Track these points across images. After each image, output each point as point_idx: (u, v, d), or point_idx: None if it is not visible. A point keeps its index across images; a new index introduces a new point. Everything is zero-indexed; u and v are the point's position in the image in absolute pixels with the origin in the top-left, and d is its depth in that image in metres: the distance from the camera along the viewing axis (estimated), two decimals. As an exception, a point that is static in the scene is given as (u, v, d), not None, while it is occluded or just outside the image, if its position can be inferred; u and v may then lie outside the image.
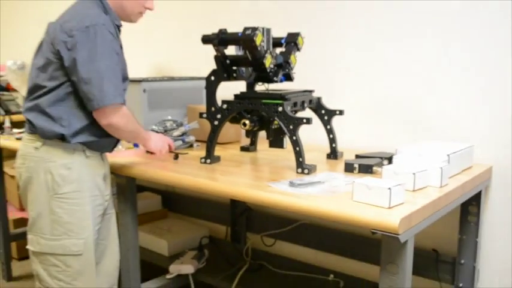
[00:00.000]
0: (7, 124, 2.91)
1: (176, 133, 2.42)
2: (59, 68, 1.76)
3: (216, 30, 2.06)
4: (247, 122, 1.97)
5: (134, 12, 1.95)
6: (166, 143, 2.10)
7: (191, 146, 2.47)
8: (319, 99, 2.21)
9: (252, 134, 2.33)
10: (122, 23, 1.96)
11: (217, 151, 2.13)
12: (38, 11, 4.40)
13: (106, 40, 1.75)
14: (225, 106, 2.03)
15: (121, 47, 1.90)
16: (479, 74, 2.14)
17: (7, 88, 4.07)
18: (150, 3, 1.97)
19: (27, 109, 1.84)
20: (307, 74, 2.38)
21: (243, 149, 2.42)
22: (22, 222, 3.31)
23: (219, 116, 2.04)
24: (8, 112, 3.71)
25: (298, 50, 2.12)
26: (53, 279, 1.84)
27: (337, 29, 2.54)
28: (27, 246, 1.88)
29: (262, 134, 2.14)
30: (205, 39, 2.07)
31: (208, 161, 2.07)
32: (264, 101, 1.96)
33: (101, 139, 1.88)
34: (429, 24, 2.25)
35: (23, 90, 2.92)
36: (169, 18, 3.29)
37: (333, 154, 2.21)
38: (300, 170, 1.89)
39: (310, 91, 2.20)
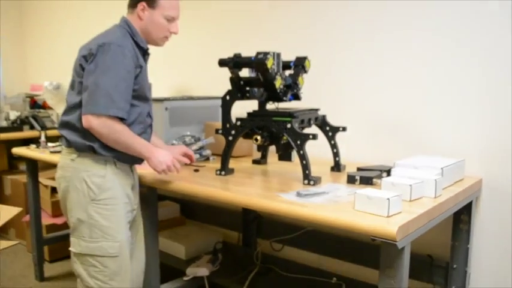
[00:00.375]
0: (43, 138, 2.93)
1: (194, 147, 2.44)
2: (80, 82, 1.78)
3: (231, 54, 2.09)
4: (258, 137, 1.98)
5: (159, 37, 1.92)
6: (172, 162, 1.89)
7: (208, 159, 2.48)
8: (324, 116, 2.21)
9: (263, 149, 2.33)
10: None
11: (231, 164, 2.13)
12: (68, 37, 4.47)
13: (117, 57, 1.74)
14: (238, 123, 2.04)
15: (141, 68, 1.85)
16: (470, 95, 2.14)
17: (43, 106, 4.13)
18: (174, 28, 1.93)
19: (61, 125, 1.87)
20: (313, 94, 2.39)
21: (255, 162, 2.43)
22: (54, 227, 3.33)
23: (233, 132, 2.05)
24: (43, 128, 3.76)
25: (306, 72, 2.13)
26: (91, 278, 1.85)
27: (341, 54, 2.55)
28: (70, 248, 1.89)
29: (272, 148, 2.15)
30: (222, 63, 2.09)
31: (223, 173, 2.08)
32: (274, 118, 1.97)
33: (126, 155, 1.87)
34: (424, 48, 2.26)
35: (57, 108, 2.95)
36: (189, 43, 3.32)
37: (337, 167, 2.21)
38: (306, 182, 1.90)
39: (316, 109, 2.21)
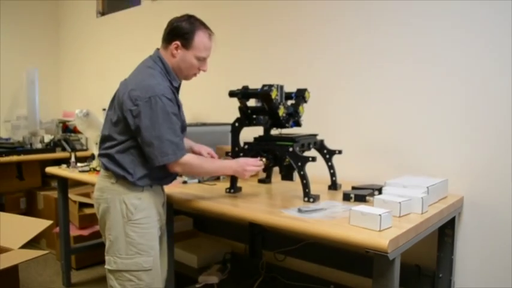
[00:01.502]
0: (73, 159, 2.95)
1: (206, 168, 2.44)
2: (126, 126, 1.73)
3: (239, 86, 2.11)
4: (264, 159, 1.98)
5: (190, 74, 1.85)
6: (244, 167, 1.86)
7: (218, 178, 2.48)
8: (322, 141, 2.22)
9: (267, 169, 2.33)
10: None
11: (239, 183, 2.13)
12: (96, 71, 4.54)
13: (165, 107, 1.68)
14: (246, 147, 2.05)
15: (178, 104, 1.81)
16: (452, 122, 2.14)
17: (74, 130, 4.17)
18: (204, 66, 1.85)
19: (102, 155, 1.82)
20: (313, 121, 2.40)
21: (260, 181, 2.42)
22: (81, 238, 3.32)
23: (241, 154, 2.05)
24: (73, 149, 3.79)
25: (305, 102, 2.14)
26: None
27: (337, 87, 2.57)
28: (105, 266, 1.82)
29: (276, 169, 2.15)
30: (231, 94, 2.11)
31: (232, 191, 2.08)
32: (278, 143, 1.98)
33: (162, 181, 1.88)
34: (409, 79, 2.28)
35: (86, 133, 2.98)
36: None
37: (333, 186, 2.20)
38: (306, 199, 1.89)
39: (315, 135, 2.21)
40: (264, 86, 1.95)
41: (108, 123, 1.82)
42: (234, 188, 2.08)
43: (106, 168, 1.80)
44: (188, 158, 1.76)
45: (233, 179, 2.08)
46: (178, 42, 1.75)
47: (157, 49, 1.84)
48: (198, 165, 1.80)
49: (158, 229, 1.88)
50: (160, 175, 1.83)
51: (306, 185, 1.90)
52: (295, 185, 2.11)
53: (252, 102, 2.12)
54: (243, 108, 2.09)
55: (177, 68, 1.81)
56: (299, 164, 1.90)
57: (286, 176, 2.06)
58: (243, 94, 2.06)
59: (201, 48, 1.78)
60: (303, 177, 1.90)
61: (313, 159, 1.88)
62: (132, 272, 1.78)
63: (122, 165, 1.76)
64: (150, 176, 1.80)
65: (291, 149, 1.92)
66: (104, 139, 1.83)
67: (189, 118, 3.46)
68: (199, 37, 1.76)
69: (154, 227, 1.83)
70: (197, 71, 1.85)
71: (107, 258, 1.82)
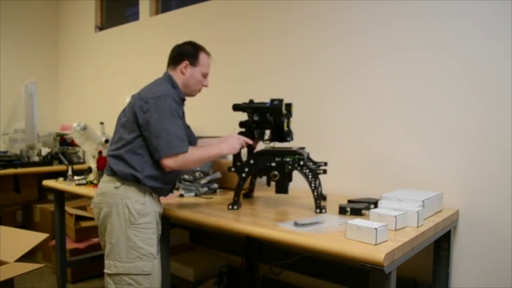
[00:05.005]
0: (70, 172, 2.93)
1: (203, 181, 2.44)
2: (135, 123, 1.84)
3: (230, 100, 2.13)
4: (276, 172, 1.98)
5: (196, 89, 2.04)
6: (238, 140, 1.99)
7: (215, 191, 2.47)
8: (308, 154, 2.17)
9: (251, 183, 2.34)
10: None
11: (227, 196, 2.08)
12: (93, 86, 4.55)
13: (172, 105, 1.83)
14: (252, 161, 2.03)
15: (183, 114, 1.97)
16: (447, 136, 2.15)
17: (71, 144, 4.15)
18: (207, 82, 2.05)
19: (112, 156, 1.90)
20: (306, 134, 2.40)
21: (246, 195, 2.35)
22: (77, 251, 3.29)
23: (246, 169, 2.03)
24: (70, 162, 3.77)
25: (291, 116, 2.11)
26: None
27: (332, 101, 2.58)
28: (105, 271, 1.86)
29: (263, 181, 2.10)
30: (237, 107, 2.10)
31: (236, 207, 2.02)
32: (287, 156, 1.98)
33: (165, 186, 1.94)
34: (405, 94, 2.29)
35: (83, 146, 2.97)
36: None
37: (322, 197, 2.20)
38: (318, 210, 1.92)
39: (303, 148, 2.19)
40: (273, 100, 2.01)
41: (120, 128, 1.93)
42: (237, 204, 2.03)
43: (111, 171, 1.88)
44: (189, 152, 1.85)
45: (237, 194, 2.03)
46: (187, 62, 1.98)
47: (167, 72, 2.03)
48: (193, 156, 1.86)
49: (157, 236, 1.92)
50: (165, 181, 1.91)
51: (318, 197, 1.93)
52: (286, 197, 2.11)
53: (244, 116, 2.11)
54: (249, 122, 2.07)
55: (185, 84, 2.00)
56: (310, 176, 1.92)
57: (282, 189, 2.04)
58: (252, 108, 2.05)
59: (205, 65, 2.03)
60: (315, 189, 1.92)
61: (325, 171, 1.96)
62: (132, 276, 1.81)
63: (130, 164, 1.84)
64: (157, 178, 1.87)
65: (302, 163, 1.94)
66: (115, 141, 1.92)
67: (186, 131, 3.50)
68: (203, 56, 2.02)
69: (154, 233, 1.88)
70: (201, 86, 2.05)
71: (106, 262, 1.86)
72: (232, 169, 2.07)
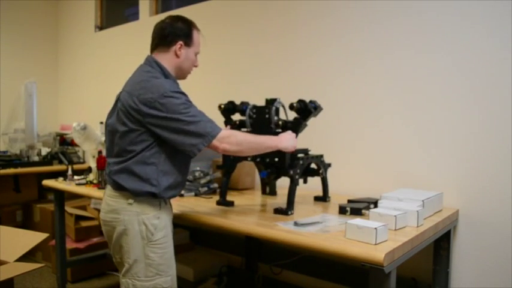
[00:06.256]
0: (69, 172, 2.93)
1: (203, 181, 2.43)
2: (142, 133, 1.62)
3: (228, 98, 2.13)
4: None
5: (189, 71, 1.82)
6: (295, 141, 1.84)
7: (215, 191, 2.47)
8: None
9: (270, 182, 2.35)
10: None
11: (235, 196, 2.11)
12: (94, 85, 4.54)
13: (180, 99, 1.61)
14: (301, 162, 2.00)
15: None
16: (447, 136, 2.15)
17: (71, 144, 4.15)
18: (197, 62, 1.84)
19: (116, 171, 1.66)
20: (310, 136, 2.40)
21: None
22: (76, 251, 3.29)
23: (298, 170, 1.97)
24: (70, 162, 3.77)
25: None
26: None
27: (334, 101, 2.59)
28: None
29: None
30: (237, 110, 2.12)
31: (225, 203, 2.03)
32: (311, 154, 2.11)
33: (180, 190, 1.77)
34: (405, 94, 2.29)
35: (83, 146, 2.97)
36: (197, 91, 3.37)
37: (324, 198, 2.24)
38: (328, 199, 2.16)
39: (306, 149, 2.22)
40: (268, 100, 2.01)
41: (117, 137, 1.68)
42: (225, 203, 2.05)
43: (121, 188, 1.66)
44: (227, 131, 1.67)
45: (223, 192, 2.04)
46: (181, 42, 1.74)
47: (149, 55, 1.78)
48: (242, 136, 1.68)
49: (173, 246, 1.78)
50: (182, 184, 1.76)
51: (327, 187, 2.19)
52: (286, 197, 2.10)
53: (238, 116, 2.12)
54: (300, 122, 2.00)
55: (178, 68, 1.77)
56: (322, 169, 2.13)
57: (274, 191, 2.03)
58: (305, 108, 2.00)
59: (198, 43, 1.81)
60: (325, 181, 2.17)
61: (329, 165, 2.18)
62: None
63: (143, 178, 1.63)
64: (175, 185, 1.71)
65: (322, 159, 2.12)
66: (114, 154, 1.70)
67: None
68: (196, 34, 1.80)
69: (171, 245, 1.74)
70: (192, 67, 1.83)
71: (123, 281, 1.70)
72: (291, 172, 1.94)
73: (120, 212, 1.67)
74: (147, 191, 1.64)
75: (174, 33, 1.73)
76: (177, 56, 1.74)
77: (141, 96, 1.60)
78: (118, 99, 1.72)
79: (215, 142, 1.61)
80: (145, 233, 1.65)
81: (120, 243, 1.69)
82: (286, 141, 1.79)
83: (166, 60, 1.74)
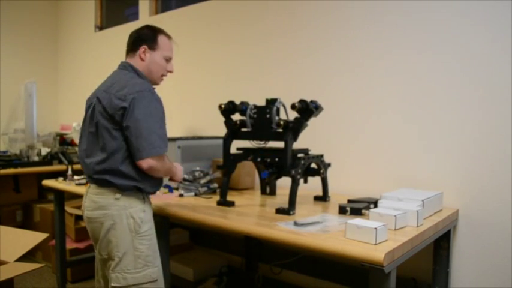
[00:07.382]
0: (69, 172, 2.93)
1: (203, 181, 2.43)
2: (115, 129, 1.70)
3: (230, 99, 2.12)
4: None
5: (159, 76, 1.89)
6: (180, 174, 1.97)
7: (214, 191, 2.47)
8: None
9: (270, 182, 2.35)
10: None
11: (235, 196, 2.12)
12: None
13: (155, 102, 1.71)
14: (303, 162, 2.00)
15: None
16: (447, 136, 2.15)
17: (71, 143, 4.15)
18: (170, 67, 1.92)
19: (100, 172, 1.73)
20: (309, 135, 2.41)
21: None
22: (76, 251, 3.29)
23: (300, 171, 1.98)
24: (70, 162, 3.77)
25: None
26: None
27: (333, 100, 2.58)
28: (112, 284, 1.74)
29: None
30: (237, 110, 2.12)
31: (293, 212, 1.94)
32: (312, 153, 2.11)
33: (159, 187, 1.88)
34: (406, 94, 2.29)
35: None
36: (198, 91, 3.37)
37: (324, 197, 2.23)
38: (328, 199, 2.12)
39: (306, 149, 2.22)
40: (269, 100, 2.02)
41: (93, 140, 1.76)
42: (225, 203, 2.06)
43: (107, 185, 1.74)
44: (164, 159, 1.77)
45: (223, 192, 2.05)
46: (145, 46, 1.84)
47: (122, 62, 1.89)
48: (164, 164, 1.77)
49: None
50: (161, 179, 1.86)
51: (327, 187, 2.21)
52: (286, 197, 2.11)
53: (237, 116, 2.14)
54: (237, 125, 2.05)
55: (148, 71, 1.86)
56: (322, 169, 2.14)
57: (274, 191, 2.04)
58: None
59: (166, 48, 1.88)
60: (325, 180, 2.18)
61: (329, 164, 2.19)
62: (141, 285, 1.74)
63: (128, 175, 1.72)
64: (157, 180, 1.82)
65: (323, 158, 2.14)
66: (94, 153, 1.76)
67: (184, 131, 3.51)
68: (162, 39, 1.88)
69: (155, 237, 1.83)
70: (165, 72, 1.91)
71: (113, 275, 1.74)
72: (292, 172, 1.94)
73: (108, 208, 1.74)
74: (133, 186, 1.74)
75: (139, 38, 1.87)
76: (141, 59, 1.85)
77: (118, 93, 1.71)
78: (96, 100, 1.79)
79: (153, 158, 1.69)
80: (133, 226, 1.74)
81: (108, 238, 1.75)
82: (180, 175, 1.94)
83: (135, 64, 1.86)
